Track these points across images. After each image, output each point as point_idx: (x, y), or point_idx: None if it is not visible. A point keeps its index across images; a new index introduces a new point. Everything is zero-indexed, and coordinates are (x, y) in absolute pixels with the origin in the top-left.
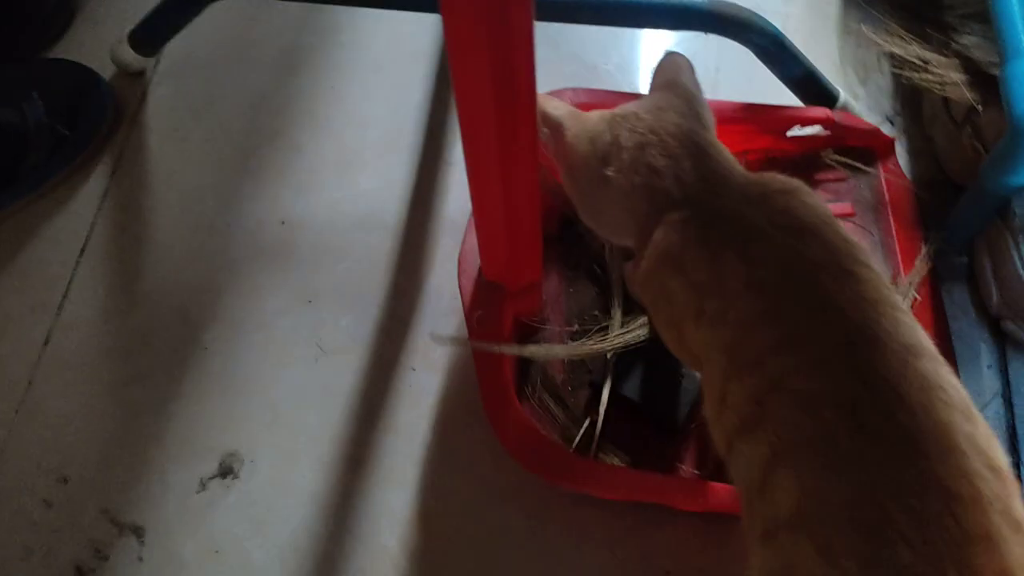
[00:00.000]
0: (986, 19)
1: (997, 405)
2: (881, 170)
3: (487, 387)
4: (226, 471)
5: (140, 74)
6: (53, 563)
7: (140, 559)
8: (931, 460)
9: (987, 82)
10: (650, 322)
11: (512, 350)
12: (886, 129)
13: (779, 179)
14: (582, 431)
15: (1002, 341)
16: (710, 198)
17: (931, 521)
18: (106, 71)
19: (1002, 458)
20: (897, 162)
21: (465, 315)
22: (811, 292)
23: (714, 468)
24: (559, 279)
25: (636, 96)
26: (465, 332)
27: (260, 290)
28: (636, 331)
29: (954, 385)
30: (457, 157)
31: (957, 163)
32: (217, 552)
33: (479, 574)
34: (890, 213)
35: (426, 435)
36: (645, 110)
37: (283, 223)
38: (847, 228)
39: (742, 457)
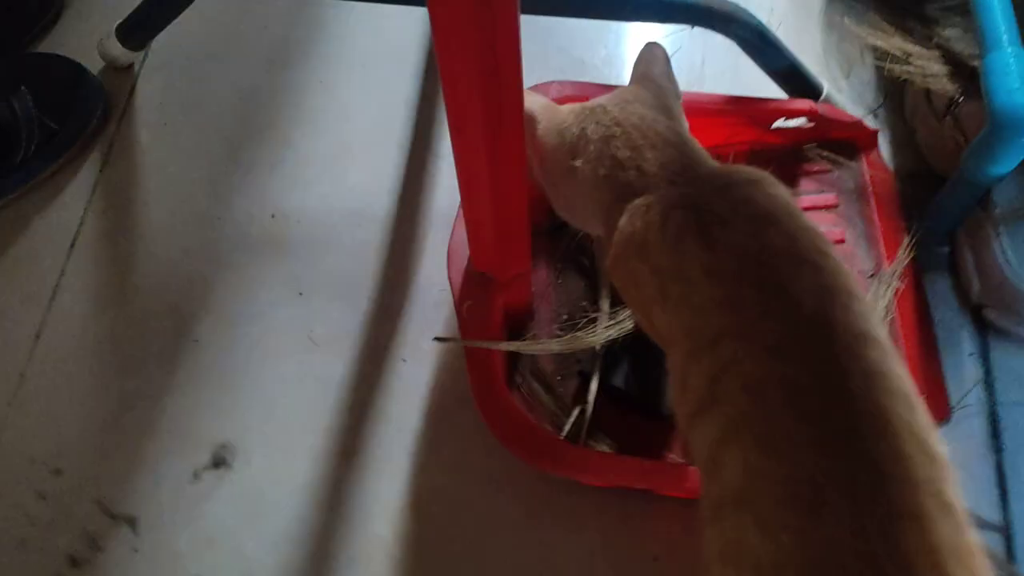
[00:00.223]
0: (967, 12)
1: (979, 392)
2: (864, 161)
3: (477, 377)
4: (219, 462)
5: (128, 68)
6: (48, 554)
7: (135, 550)
8: (867, 443)
9: (968, 74)
10: None
11: (509, 346)
12: (869, 121)
13: (745, 170)
14: (571, 420)
15: (983, 329)
16: (672, 186)
17: (862, 499)
18: (94, 65)
19: (938, 445)
20: (880, 153)
21: (455, 305)
22: (767, 279)
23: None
24: (547, 271)
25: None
26: (455, 323)
27: (251, 283)
28: (624, 322)
29: (898, 375)
30: (445, 150)
31: (939, 154)
32: (211, 542)
33: (471, 561)
34: (873, 204)
35: (417, 425)
36: (612, 103)
37: (273, 216)
38: (831, 219)
39: (698, 438)
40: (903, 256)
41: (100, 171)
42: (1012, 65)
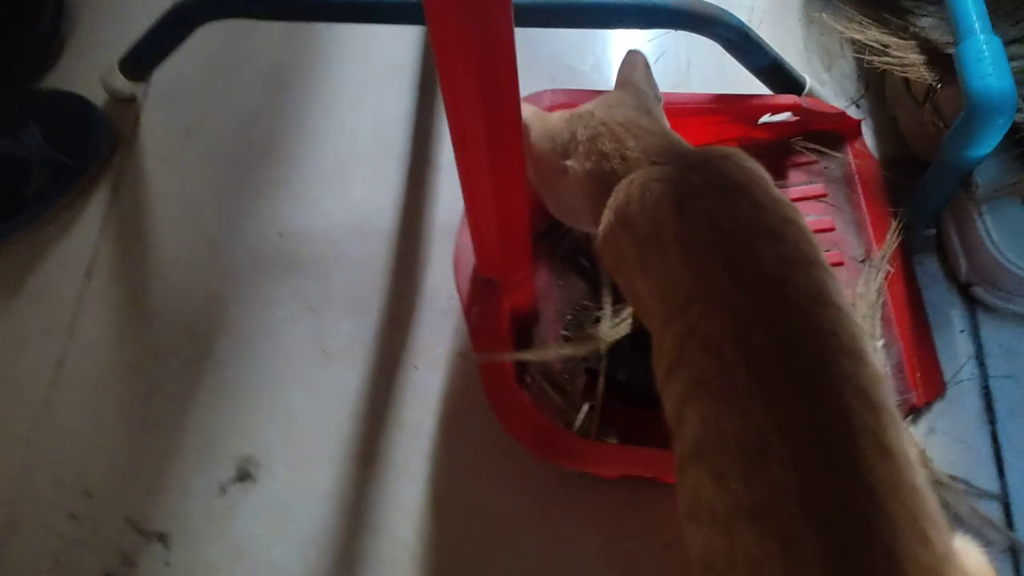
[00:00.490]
0: (940, 1)
1: (972, 367)
2: (849, 151)
3: (488, 377)
4: (244, 475)
5: (132, 99)
6: (82, 573)
7: (167, 564)
8: (810, 396)
9: (944, 61)
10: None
11: (527, 355)
12: (852, 112)
13: (719, 147)
14: (581, 415)
15: (972, 306)
16: (653, 165)
17: (804, 447)
18: (99, 98)
19: (882, 396)
20: (864, 142)
21: (464, 311)
22: (734, 247)
23: None
24: (549, 273)
25: None
26: (464, 329)
27: (265, 300)
28: (628, 320)
29: (849, 332)
30: (445, 162)
31: (920, 140)
32: (240, 552)
33: (491, 557)
34: (860, 191)
35: (432, 429)
36: (598, 107)
37: (281, 235)
38: (820, 208)
39: (668, 399)
40: (891, 240)
41: (111, 201)
42: (985, 51)
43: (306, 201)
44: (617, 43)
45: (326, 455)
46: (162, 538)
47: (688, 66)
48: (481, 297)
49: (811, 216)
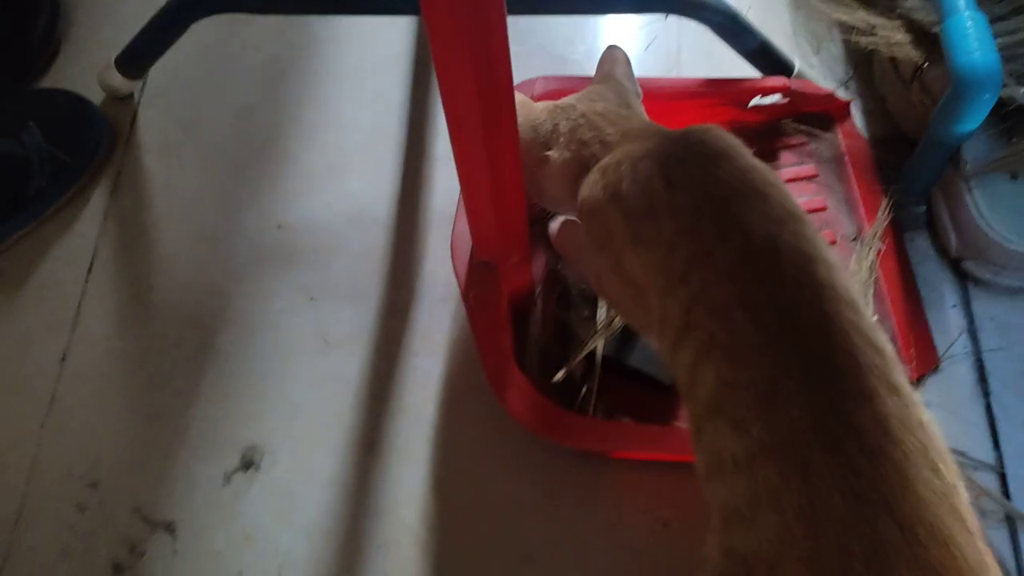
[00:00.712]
0: None
1: (964, 340)
2: (839, 131)
3: (487, 357)
4: (248, 464)
5: (129, 97)
6: (92, 562)
7: (175, 552)
8: (818, 341)
9: (930, 40)
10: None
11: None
12: (841, 93)
13: (697, 125)
14: (581, 394)
15: (964, 281)
16: (636, 143)
17: (817, 386)
18: (96, 96)
19: (883, 341)
20: (854, 123)
21: (462, 295)
22: (723, 211)
23: None
24: (546, 258)
25: None
26: (462, 313)
27: (265, 292)
28: None
29: (845, 286)
30: (440, 151)
31: (909, 118)
32: (247, 539)
33: (495, 538)
34: (851, 170)
35: (434, 414)
36: (580, 100)
37: (280, 227)
38: (812, 188)
39: (679, 366)
40: (883, 218)
41: (111, 197)
42: (970, 28)
43: (304, 193)
44: (607, 31)
45: (329, 442)
46: (169, 527)
47: (679, 51)
48: (479, 281)
49: (803, 196)
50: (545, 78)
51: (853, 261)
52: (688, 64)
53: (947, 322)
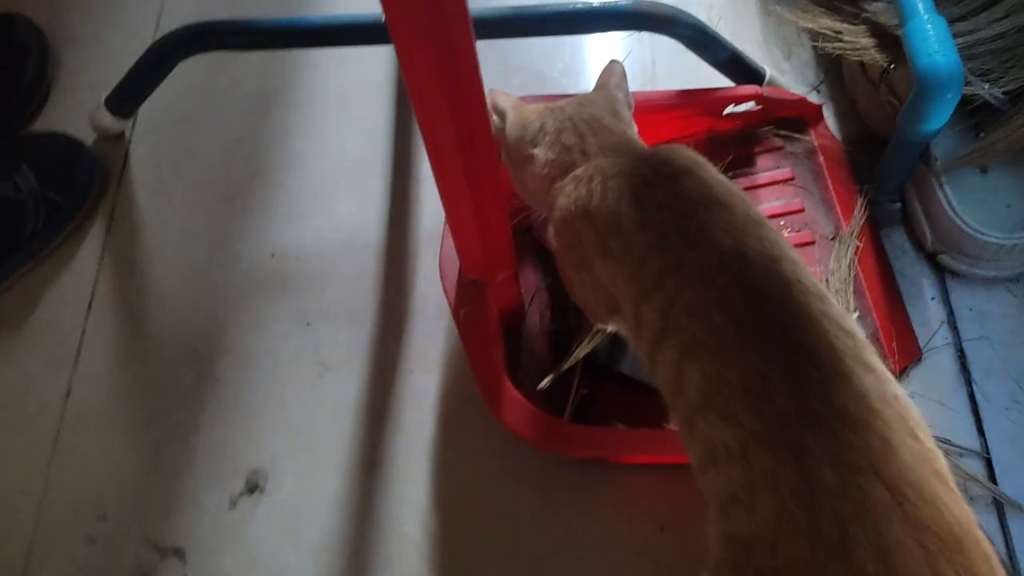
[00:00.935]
0: None
1: (945, 331)
2: (813, 134)
3: (480, 372)
4: (253, 487)
5: (120, 135)
6: None
7: None
8: (795, 333)
9: (894, 43)
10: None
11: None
12: (813, 97)
13: (666, 145)
14: (571, 403)
15: (941, 273)
16: (606, 158)
17: (798, 373)
18: (88, 137)
19: (853, 325)
20: (827, 125)
21: (452, 313)
22: (689, 223)
23: None
24: (534, 271)
25: None
26: (454, 330)
27: (261, 319)
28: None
29: (811, 280)
30: (425, 172)
31: (879, 119)
32: (255, 561)
33: (497, 549)
34: (826, 172)
35: (432, 429)
36: (569, 104)
37: (273, 255)
38: (789, 191)
39: (661, 365)
40: (859, 216)
41: (106, 235)
42: (930, 30)
43: (295, 221)
44: (584, 49)
45: (331, 462)
46: (178, 553)
47: (654, 65)
48: (468, 299)
49: (781, 199)
50: (524, 98)
51: (832, 259)
52: (663, 77)
53: (927, 314)
